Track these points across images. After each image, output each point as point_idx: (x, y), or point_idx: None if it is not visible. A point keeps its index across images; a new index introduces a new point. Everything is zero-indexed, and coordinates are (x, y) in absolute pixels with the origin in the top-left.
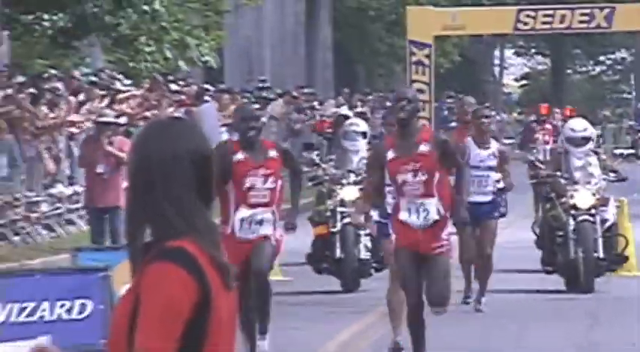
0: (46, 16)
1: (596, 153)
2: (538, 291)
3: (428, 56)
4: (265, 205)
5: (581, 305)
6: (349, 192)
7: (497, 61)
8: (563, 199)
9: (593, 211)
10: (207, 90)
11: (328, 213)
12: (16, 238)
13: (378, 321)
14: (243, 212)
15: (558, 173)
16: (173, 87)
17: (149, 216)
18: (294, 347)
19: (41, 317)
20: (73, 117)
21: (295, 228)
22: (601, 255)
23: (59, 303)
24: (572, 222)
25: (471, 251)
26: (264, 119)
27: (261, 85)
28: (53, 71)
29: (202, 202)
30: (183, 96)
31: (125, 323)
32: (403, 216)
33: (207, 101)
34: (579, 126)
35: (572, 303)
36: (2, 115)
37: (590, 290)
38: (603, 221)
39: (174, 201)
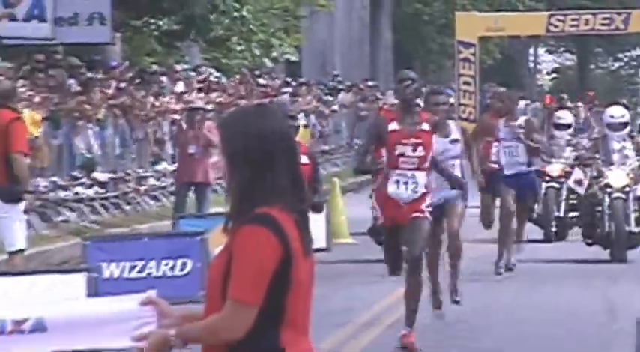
0: (152, 21)
1: (631, 136)
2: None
3: (473, 54)
4: None
5: (609, 271)
6: None
7: (531, 58)
8: (600, 179)
9: (627, 189)
10: (288, 83)
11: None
12: (128, 207)
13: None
14: None
15: (597, 155)
16: (260, 81)
17: (243, 186)
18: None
19: (149, 273)
20: (175, 106)
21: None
22: (633, 229)
23: (164, 262)
24: (607, 199)
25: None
26: (301, 122)
27: (333, 78)
28: (158, 67)
29: (289, 174)
30: (268, 89)
31: (220, 278)
32: (391, 188)
33: (285, 93)
34: (618, 112)
35: (604, 270)
36: (117, 104)
37: (623, 260)
38: (637, 198)
39: (265, 173)
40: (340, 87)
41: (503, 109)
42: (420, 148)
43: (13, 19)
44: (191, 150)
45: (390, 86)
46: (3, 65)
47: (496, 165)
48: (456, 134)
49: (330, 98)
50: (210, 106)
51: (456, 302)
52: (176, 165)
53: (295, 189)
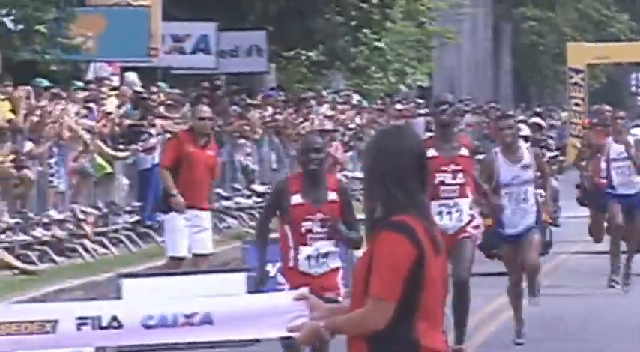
0: (303, 52)
1: None
2: None
3: (582, 79)
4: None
5: None
6: None
7: (633, 82)
8: None
9: None
10: (420, 105)
11: None
12: None
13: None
14: (306, 250)
15: None
16: (398, 106)
17: (382, 197)
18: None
19: None
20: (320, 126)
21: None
22: None
23: None
24: None
25: (600, 234)
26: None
27: (460, 101)
28: (309, 92)
29: (420, 187)
30: (404, 112)
31: (362, 278)
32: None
33: (420, 115)
34: None
35: None
36: (272, 125)
37: None
38: None
39: (401, 186)
40: (466, 108)
41: (610, 128)
42: (460, 175)
43: (181, 52)
44: None
45: (509, 107)
46: (173, 92)
47: (604, 180)
48: (527, 160)
49: (457, 119)
50: (338, 128)
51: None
52: None
53: (425, 199)
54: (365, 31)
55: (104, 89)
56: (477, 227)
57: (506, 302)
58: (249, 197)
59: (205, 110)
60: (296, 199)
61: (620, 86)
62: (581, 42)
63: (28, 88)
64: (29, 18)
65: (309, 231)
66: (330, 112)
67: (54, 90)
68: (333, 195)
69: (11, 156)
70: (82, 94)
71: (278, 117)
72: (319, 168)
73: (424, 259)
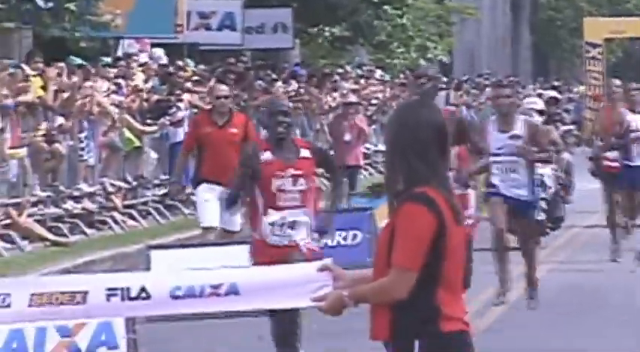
0: (326, 28)
1: None
2: None
3: (600, 53)
4: (296, 208)
5: None
6: None
7: None
8: None
9: None
10: (440, 79)
11: None
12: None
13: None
14: (273, 216)
15: None
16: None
17: (403, 169)
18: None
19: (325, 243)
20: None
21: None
22: None
23: (338, 233)
24: None
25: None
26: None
27: (481, 75)
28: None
29: (441, 159)
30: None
31: (385, 247)
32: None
33: (441, 89)
34: None
35: None
36: (297, 100)
37: None
38: None
39: (422, 158)
40: (486, 83)
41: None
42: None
43: (207, 28)
44: (346, 138)
45: (529, 82)
46: (200, 68)
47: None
48: (518, 130)
49: (477, 92)
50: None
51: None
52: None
53: (445, 170)
54: (387, 7)
55: (133, 65)
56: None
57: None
58: None
59: (222, 88)
60: (267, 156)
61: (637, 60)
62: (598, 17)
63: (62, 65)
64: None
65: (281, 190)
66: (354, 86)
67: (83, 66)
68: (305, 153)
69: (42, 131)
70: (110, 71)
71: (302, 91)
72: (287, 131)
73: (445, 229)
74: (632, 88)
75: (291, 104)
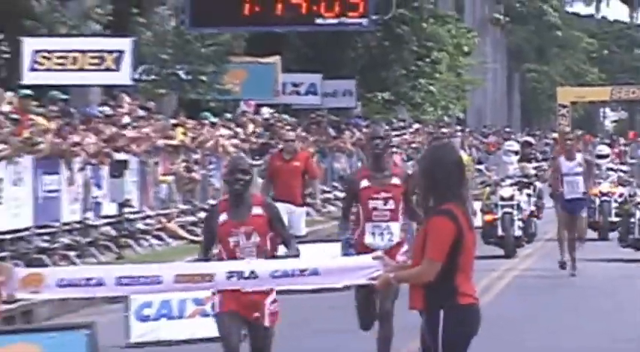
0: (379, 94)
1: None
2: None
3: (568, 111)
4: None
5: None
6: (506, 191)
7: (601, 114)
8: (635, 197)
9: None
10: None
11: (493, 205)
12: None
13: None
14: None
15: (631, 178)
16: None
17: (434, 192)
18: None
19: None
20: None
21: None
22: None
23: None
24: (638, 213)
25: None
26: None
27: (485, 126)
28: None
29: (459, 184)
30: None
31: (420, 247)
32: (368, 239)
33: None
34: None
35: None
36: (358, 145)
37: None
38: None
39: (448, 185)
40: (489, 132)
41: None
42: (391, 202)
43: (297, 93)
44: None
45: (518, 130)
46: (292, 120)
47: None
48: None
49: (482, 139)
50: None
51: None
52: None
53: (464, 192)
54: (421, 80)
55: (245, 119)
56: (406, 252)
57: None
58: (342, 191)
59: (290, 135)
60: (223, 217)
61: (592, 116)
62: (567, 87)
63: (197, 121)
64: (196, 72)
65: (237, 244)
66: (396, 133)
67: (212, 120)
68: (257, 210)
69: (183, 164)
70: (231, 123)
71: (362, 137)
72: (244, 188)
73: (462, 234)
74: (568, 138)
75: (352, 148)
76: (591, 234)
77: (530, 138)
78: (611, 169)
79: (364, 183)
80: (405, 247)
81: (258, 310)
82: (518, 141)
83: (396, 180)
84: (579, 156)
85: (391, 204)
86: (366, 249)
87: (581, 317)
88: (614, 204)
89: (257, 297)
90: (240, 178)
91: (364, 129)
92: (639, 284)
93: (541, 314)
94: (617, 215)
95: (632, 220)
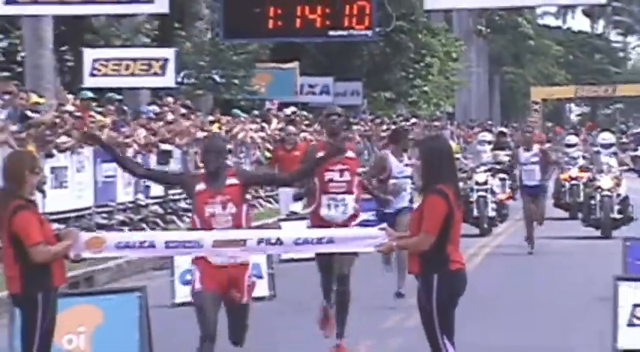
0: (382, 93)
1: (615, 154)
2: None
3: (539, 107)
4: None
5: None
6: (481, 177)
7: (567, 109)
8: (594, 182)
9: (612, 190)
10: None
11: (469, 190)
12: None
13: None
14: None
15: (591, 166)
16: (436, 123)
17: (429, 174)
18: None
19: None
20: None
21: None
22: (616, 216)
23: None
24: (599, 196)
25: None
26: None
27: (470, 120)
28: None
29: (451, 169)
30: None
31: (417, 220)
32: (324, 211)
33: (447, 129)
34: (607, 136)
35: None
36: (365, 135)
37: (609, 237)
38: (618, 195)
39: (443, 169)
40: (473, 124)
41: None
42: (347, 174)
43: (313, 93)
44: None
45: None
46: (309, 116)
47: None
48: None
49: (468, 129)
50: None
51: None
52: None
53: (454, 175)
54: (416, 81)
55: (270, 115)
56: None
57: None
58: None
59: (291, 130)
60: (200, 187)
61: (560, 111)
62: (538, 86)
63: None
64: (228, 76)
65: (212, 215)
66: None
67: (242, 117)
68: (232, 180)
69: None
70: (258, 118)
71: (367, 128)
72: (219, 167)
73: (452, 210)
74: (527, 130)
75: (358, 138)
76: (563, 213)
77: (504, 129)
78: (583, 157)
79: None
80: (359, 219)
81: (237, 286)
82: (491, 132)
83: (350, 154)
84: (536, 147)
85: (346, 176)
86: (322, 222)
87: (548, 286)
88: (582, 187)
89: (235, 272)
90: (213, 158)
91: (369, 123)
92: (594, 258)
93: (512, 284)
94: (585, 197)
95: (593, 202)
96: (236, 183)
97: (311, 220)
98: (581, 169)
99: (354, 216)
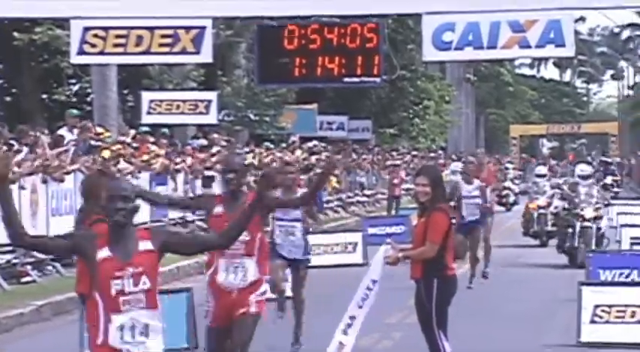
0: (387, 129)
1: (598, 182)
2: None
3: (517, 142)
4: (142, 309)
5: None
6: None
7: (540, 144)
8: (574, 210)
9: (594, 221)
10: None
11: None
12: None
13: None
14: (119, 319)
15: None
16: (431, 154)
17: (435, 196)
18: None
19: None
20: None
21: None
22: (593, 248)
23: (394, 227)
24: (578, 225)
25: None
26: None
27: (460, 152)
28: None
29: (445, 192)
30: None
31: (422, 234)
32: (220, 277)
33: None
34: (584, 168)
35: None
36: (371, 163)
37: (582, 266)
38: (598, 228)
39: (442, 190)
40: (461, 156)
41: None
42: (246, 233)
43: (330, 129)
44: (395, 181)
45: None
46: (329, 147)
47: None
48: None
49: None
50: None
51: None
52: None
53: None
54: (416, 120)
55: (295, 145)
56: (262, 294)
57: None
58: (362, 196)
59: (289, 161)
60: (103, 253)
61: (534, 145)
62: (516, 125)
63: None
64: (261, 114)
65: (121, 292)
66: (399, 156)
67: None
68: (146, 245)
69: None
70: (287, 149)
71: (373, 158)
72: (127, 219)
73: (450, 224)
74: (470, 162)
75: (368, 166)
76: (531, 241)
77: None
78: (554, 187)
79: (218, 209)
80: (263, 288)
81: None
82: (464, 163)
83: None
84: (476, 182)
85: (245, 235)
86: (219, 289)
87: (520, 293)
88: (550, 216)
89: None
90: (121, 207)
91: (376, 154)
92: (560, 268)
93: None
94: (553, 225)
95: (571, 230)
96: (152, 249)
97: (208, 285)
98: (550, 198)
99: (257, 283)
